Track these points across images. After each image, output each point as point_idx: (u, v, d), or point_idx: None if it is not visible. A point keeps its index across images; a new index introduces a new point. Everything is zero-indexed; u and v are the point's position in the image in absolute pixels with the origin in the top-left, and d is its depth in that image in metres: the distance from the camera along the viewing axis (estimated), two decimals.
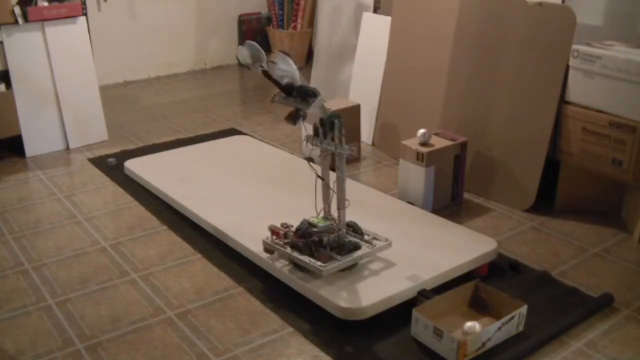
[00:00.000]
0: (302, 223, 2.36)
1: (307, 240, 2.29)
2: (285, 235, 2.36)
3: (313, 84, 4.47)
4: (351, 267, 2.33)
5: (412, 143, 3.00)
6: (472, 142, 3.19)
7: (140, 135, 4.11)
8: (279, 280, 2.39)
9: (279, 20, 5.78)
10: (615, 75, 2.69)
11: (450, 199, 3.10)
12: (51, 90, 3.77)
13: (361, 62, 3.97)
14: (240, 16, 5.85)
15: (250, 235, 2.61)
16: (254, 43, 2.13)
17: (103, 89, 4.96)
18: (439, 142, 3.01)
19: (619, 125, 2.70)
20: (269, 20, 5.91)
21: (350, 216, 2.74)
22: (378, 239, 2.41)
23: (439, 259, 2.40)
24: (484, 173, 3.20)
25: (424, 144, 2.99)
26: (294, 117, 2.18)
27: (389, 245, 2.40)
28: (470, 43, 3.24)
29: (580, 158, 2.87)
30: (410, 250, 2.48)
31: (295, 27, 5.75)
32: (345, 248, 2.30)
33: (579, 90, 2.85)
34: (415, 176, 2.98)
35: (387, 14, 3.85)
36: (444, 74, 3.38)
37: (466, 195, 3.19)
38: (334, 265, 2.24)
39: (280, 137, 4.05)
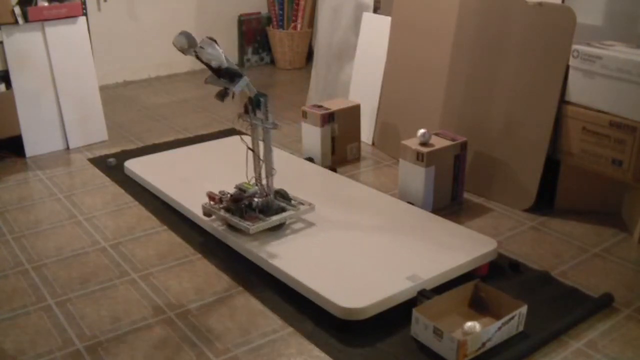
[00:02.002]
0: (235, 189, 2.70)
1: (238, 203, 2.62)
2: (221, 200, 2.68)
3: (313, 83, 4.47)
4: (277, 227, 2.63)
5: (412, 143, 3.00)
6: (472, 142, 3.19)
7: (140, 135, 4.11)
8: (279, 280, 2.39)
9: (279, 20, 5.78)
10: (616, 75, 2.69)
11: (450, 199, 3.10)
12: (51, 90, 3.77)
13: (361, 62, 3.97)
14: (240, 16, 5.85)
15: (249, 235, 2.61)
16: (189, 32, 2.42)
17: (103, 89, 4.96)
18: (439, 142, 3.01)
19: (619, 125, 2.70)
20: (269, 20, 5.92)
21: (349, 216, 2.74)
22: (303, 204, 2.72)
23: (439, 259, 2.41)
24: (484, 173, 3.20)
25: (424, 144, 2.99)
26: (221, 95, 2.49)
27: (312, 209, 2.71)
28: (470, 43, 3.24)
29: (580, 158, 2.87)
30: (410, 250, 2.48)
31: (295, 27, 5.75)
32: (271, 210, 2.63)
33: (579, 90, 2.85)
34: (415, 176, 2.98)
35: (387, 14, 3.85)
36: (444, 74, 3.38)
37: (466, 195, 3.19)
38: (260, 225, 2.55)
39: (280, 137, 4.05)
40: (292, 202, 2.74)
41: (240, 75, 2.44)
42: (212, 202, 2.71)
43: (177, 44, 2.41)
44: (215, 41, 2.39)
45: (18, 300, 2.39)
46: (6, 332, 2.21)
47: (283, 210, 2.67)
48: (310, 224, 2.71)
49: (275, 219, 2.60)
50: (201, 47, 2.37)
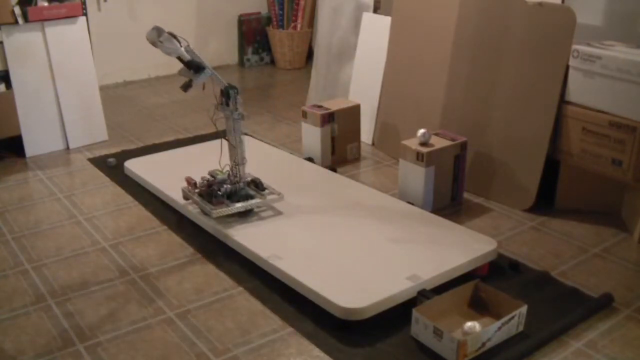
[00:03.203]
0: (208, 175, 2.91)
1: (209, 189, 2.79)
2: (196, 185, 2.87)
3: (313, 83, 4.47)
4: (245, 214, 2.76)
5: (412, 143, 3.00)
6: (472, 142, 3.19)
7: (140, 135, 4.11)
8: (279, 281, 2.39)
9: (279, 20, 5.78)
10: (615, 75, 2.69)
11: (450, 199, 3.10)
12: (51, 90, 3.77)
13: (361, 62, 3.97)
14: (240, 16, 5.85)
15: (250, 235, 2.61)
16: (160, 27, 2.54)
17: (103, 89, 4.96)
18: (439, 142, 3.01)
19: (619, 125, 2.70)
20: (269, 20, 5.92)
21: (349, 216, 2.74)
22: (273, 193, 2.84)
23: (439, 259, 2.41)
24: (484, 173, 3.20)
25: (424, 144, 2.99)
26: (185, 86, 2.63)
27: (281, 198, 2.83)
28: (470, 43, 3.24)
29: (580, 158, 2.87)
30: (410, 250, 2.48)
31: (295, 27, 5.75)
32: (238, 197, 2.77)
33: (579, 90, 2.85)
34: (415, 176, 2.98)
35: (387, 14, 3.85)
36: (444, 73, 3.38)
37: (466, 195, 3.19)
38: (222, 209, 2.69)
39: (280, 137, 4.05)
40: (266, 191, 2.85)
41: (203, 68, 2.62)
42: (189, 187, 2.89)
43: (149, 37, 2.54)
44: (174, 36, 2.55)
45: (18, 300, 2.39)
46: (6, 332, 2.21)
47: (250, 197, 2.79)
48: (309, 224, 2.71)
49: (239, 205, 2.73)
50: (160, 41, 2.53)
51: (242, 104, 2.72)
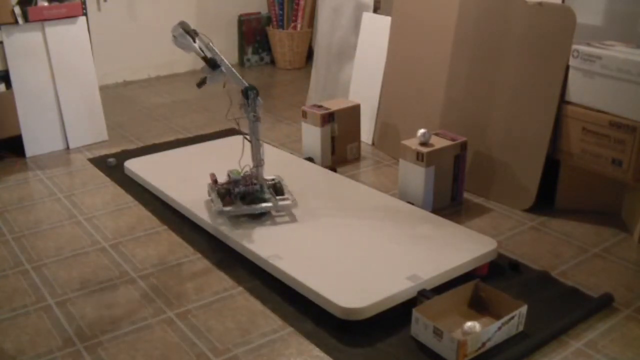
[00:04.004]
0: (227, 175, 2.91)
1: (226, 188, 2.81)
2: (216, 182, 2.89)
3: (313, 83, 4.47)
4: (257, 217, 2.74)
5: (412, 143, 3.00)
6: (472, 142, 3.19)
7: (140, 135, 4.11)
8: (279, 281, 2.39)
9: (279, 20, 5.78)
10: (615, 75, 2.69)
11: (450, 199, 3.10)
12: (51, 90, 3.77)
13: (361, 62, 3.97)
14: (240, 16, 5.85)
15: (250, 235, 2.61)
16: (185, 22, 2.63)
17: (103, 89, 4.96)
18: (439, 142, 3.01)
19: (619, 125, 2.70)
20: (269, 20, 5.92)
21: (349, 216, 2.74)
22: (288, 199, 2.81)
23: (439, 259, 2.41)
24: (484, 173, 3.20)
25: (424, 144, 2.99)
26: (199, 83, 2.69)
27: (295, 204, 2.78)
28: (470, 43, 3.24)
29: (580, 158, 2.88)
30: (410, 250, 2.48)
31: (295, 27, 5.75)
32: (251, 199, 2.76)
33: (579, 90, 2.85)
34: (415, 176, 2.98)
35: (387, 14, 3.85)
36: (444, 73, 3.38)
37: (466, 195, 3.19)
38: (231, 209, 2.70)
39: (280, 137, 4.05)
40: (285, 194, 2.82)
41: (218, 66, 2.66)
42: (211, 183, 2.90)
43: (173, 31, 2.60)
44: (196, 33, 2.60)
45: (18, 300, 2.39)
46: (6, 332, 2.21)
47: (263, 200, 2.76)
48: (310, 224, 2.71)
49: (247, 208, 2.71)
50: (174, 36, 2.59)
51: (262, 105, 2.72)
